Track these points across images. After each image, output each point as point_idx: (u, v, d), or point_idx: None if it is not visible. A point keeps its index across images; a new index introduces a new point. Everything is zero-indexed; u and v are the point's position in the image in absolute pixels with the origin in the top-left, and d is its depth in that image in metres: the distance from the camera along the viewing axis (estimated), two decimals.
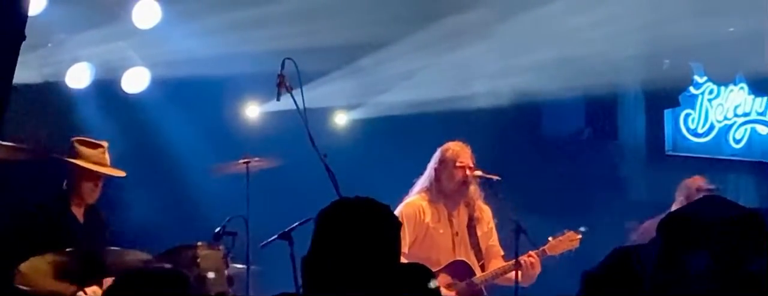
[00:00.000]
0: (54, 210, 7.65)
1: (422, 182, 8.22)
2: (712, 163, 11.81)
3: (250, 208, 7.72)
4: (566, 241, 8.21)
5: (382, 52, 9.94)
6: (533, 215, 8.29)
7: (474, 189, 8.12)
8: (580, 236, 8.23)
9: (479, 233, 8.24)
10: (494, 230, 8.28)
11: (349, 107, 10.55)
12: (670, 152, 11.91)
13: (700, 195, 9.29)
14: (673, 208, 9.31)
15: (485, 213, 8.23)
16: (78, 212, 7.76)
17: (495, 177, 8.08)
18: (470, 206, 8.21)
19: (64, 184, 7.70)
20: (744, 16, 10.25)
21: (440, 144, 8.36)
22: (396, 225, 3.95)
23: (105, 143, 7.80)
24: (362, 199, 3.97)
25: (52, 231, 7.47)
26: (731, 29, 10.53)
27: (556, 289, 7.75)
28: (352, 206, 3.95)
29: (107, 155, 7.79)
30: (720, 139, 12.08)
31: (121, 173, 7.86)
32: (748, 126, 12.16)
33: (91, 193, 7.74)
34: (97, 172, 7.68)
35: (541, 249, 8.11)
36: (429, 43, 9.91)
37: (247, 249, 7.63)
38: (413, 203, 8.15)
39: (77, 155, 7.69)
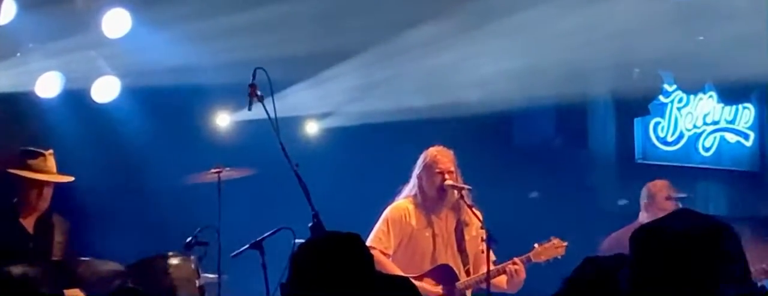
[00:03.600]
0: (0, 222, 7.64)
1: (409, 187, 8.24)
2: (682, 171, 11.85)
3: (221, 218, 7.71)
4: (552, 249, 8.20)
5: (353, 61, 9.93)
6: (503, 224, 8.29)
7: (454, 194, 8.11)
8: (566, 244, 8.22)
9: (467, 237, 8.23)
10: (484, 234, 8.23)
11: (320, 116, 10.53)
12: (640, 161, 11.94)
13: (668, 201, 9.32)
14: (640, 215, 9.35)
15: (474, 218, 8.14)
16: (28, 222, 7.77)
17: (466, 187, 8.10)
18: (457, 209, 8.21)
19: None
20: (713, 25, 10.30)
21: (412, 153, 8.39)
22: (364, 253, 4.19)
23: (48, 151, 7.80)
24: (328, 235, 4.37)
25: None
26: (700, 38, 10.57)
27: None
28: (320, 244, 4.25)
29: (51, 162, 7.79)
30: (689, 147, 12.13)
31: (66, 179, 7.86)
32: (718, 134, 12.21)
33: (38, 202, 7.77)
34: (39, 180, 7.69)
35: (526, 256, 8.13)
36: (400, 52, 9.91)
37: (218, 259, 7.62)
38: (400, 207, 8.18)
39: (20, 165, 7.70)
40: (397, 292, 4.10)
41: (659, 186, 9.44)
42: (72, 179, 7.94)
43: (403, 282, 4.27)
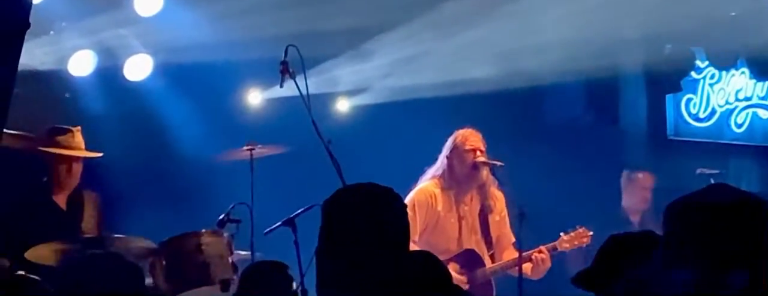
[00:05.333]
0: (34, 200, 7.68)
1: (435, 169, 8.24)
2: (714, 147, 11.81)
3: (253, 195, 7.73)
4: (577, 238, 8.24)
5: (384, 37, 9.91)
6: (535, 201, 8.30)
7: (486, 174, 8.13)
8: (591, 233, 8.26)
9: (491, 221, 8.25)
10: (507, 218, 8.28)
11: (352, 93, 10.51)
12: (672, 137, 11.90)
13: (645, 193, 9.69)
14: (623, 203, 9.83)
15: (498, 201, 8.24)
16: (60, 200, 7.82)
17: (498, 163, 8.10)
18: (483, 194, 8.22)
19: None
20: (745, 0, 10.25)
21: (443, 129, 8.40)
22: (401, 207, 3.93)
23: (75, 128, 7.85)
24: (365, 185, 3.97)
25: (32, 220, 7.49)
26: (733, 14, 10.51)
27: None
28: (356, 192, 3.94)
29: (78, 138, 7.83)
30: (721, 124, 12.06)
31: (93, 154, 7.90)
32: (750, 111, 12.14)
33: (68, 178, 7.81)
34: (67, 156, 7.74)
35: (551, 244, 8.15)
36: (431, 27, 9.88)
37: (251, 236, 7.65)
38: (426, 190, 8.17)
39: (48, 142, 7.75)
40: (423, 267, 3.99)
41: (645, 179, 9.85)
42: (100, 154, 7.99)
43: (429, 256, 4.15)
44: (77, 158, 7.86)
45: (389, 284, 3.63)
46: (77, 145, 7.86)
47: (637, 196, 9.90)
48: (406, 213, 3.99)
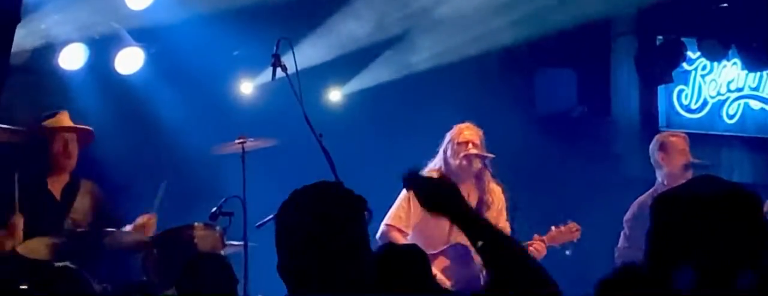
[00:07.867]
0: (29, 189, 7.66)
1: (434, 162, 8.24)
2: (706, 139, 11.81)
3: (246, 188, 7.73)
4: (567, 232, 8.22)
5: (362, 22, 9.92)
6: (527, 193, 8.30)
7: (479, 167, 8.09)
8: (580, 227, 8.23)
9: (487, 216, 8.21)
10: (504, 212, 8.22)
11: (341, 82, 10.46)
12: (664, 128, 11.89)
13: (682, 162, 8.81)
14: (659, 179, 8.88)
15: (496, 195, 8.18)
16: (55, 189, 7.79)
17: (489, 155, 8.10)
18: (481, 188, 8.20)
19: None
20: None
21: (433, 122, 8.41)
22: (354, 207, 3.50)
23: (62, 111, 7.85)
24: (314, 186, 3.56)
25: (26, 211, 7.47)
26: (724, 5, 10.53)
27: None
28: (304, 196, 3.54)
29: (65, 117, 7.85)
30: (713, 115, 12.08)
31: (82, 127, 7.90)
32: (742, 101, 12.15)
33: (65, 159, 7.78)
34: (60, 134, 7.71)
35: (541, 238, 8.13)
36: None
37: (244, 229, 7.65)
38: None
39: (37, 128, 7.75)
40: (406, 262, 3.88)
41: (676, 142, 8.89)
42: (90, 128, 7.98)
43: (413, 249, 4.03)
44: (71, 135, 7.81)
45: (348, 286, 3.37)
46: (65, 123, 7.86)
47: (676, 162, 8.68)
48: (360, 213, 3.53)
